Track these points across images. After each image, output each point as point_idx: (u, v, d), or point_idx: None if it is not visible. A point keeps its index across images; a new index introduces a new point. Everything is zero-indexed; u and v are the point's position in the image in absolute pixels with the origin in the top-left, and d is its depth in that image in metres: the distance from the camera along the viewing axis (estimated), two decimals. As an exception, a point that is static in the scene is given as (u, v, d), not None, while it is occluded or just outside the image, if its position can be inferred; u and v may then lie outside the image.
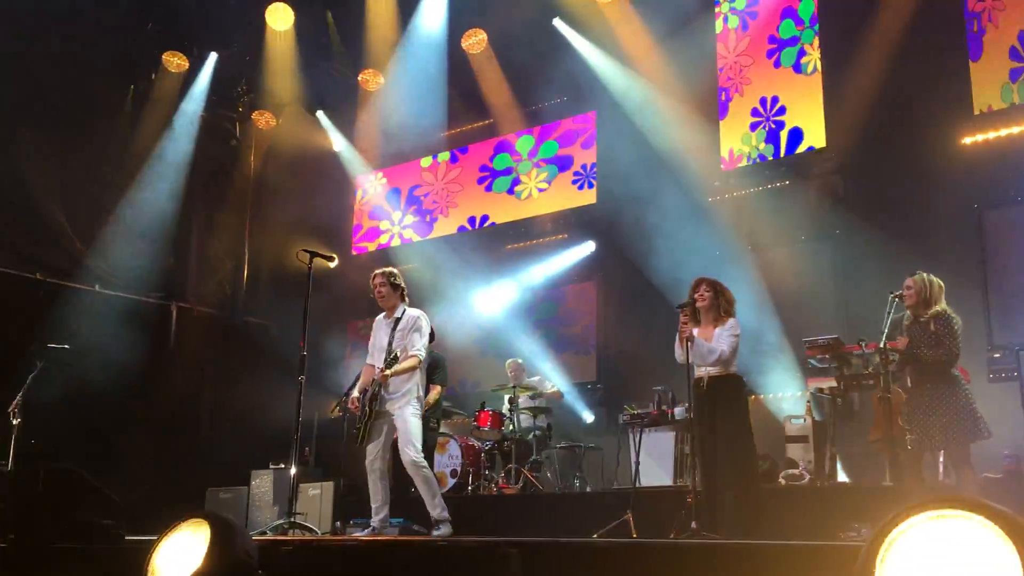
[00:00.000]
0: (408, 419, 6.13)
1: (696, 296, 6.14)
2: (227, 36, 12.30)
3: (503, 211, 12.12)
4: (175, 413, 11.68)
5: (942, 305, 5.77)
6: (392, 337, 6.24)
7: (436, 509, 6.10)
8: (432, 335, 7.82)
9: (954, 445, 5.53)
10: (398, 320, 6.29)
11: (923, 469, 6.34)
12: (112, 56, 11.35)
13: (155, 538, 3.42)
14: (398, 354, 6.14)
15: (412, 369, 6.20)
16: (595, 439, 9.73)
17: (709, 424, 6.01)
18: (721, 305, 6.14)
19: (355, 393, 6.45)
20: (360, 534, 6.31)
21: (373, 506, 6.22)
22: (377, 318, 6.56)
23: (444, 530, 6.07)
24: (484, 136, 12.55)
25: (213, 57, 12.35)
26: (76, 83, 10.85)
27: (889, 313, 5.56)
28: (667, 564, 3.47)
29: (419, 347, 6.25)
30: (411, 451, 6.04)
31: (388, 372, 6.08)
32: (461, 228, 12.42)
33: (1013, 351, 6.33)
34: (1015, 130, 8.52)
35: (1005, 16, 8.67)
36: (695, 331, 6.04)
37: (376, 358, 6.34)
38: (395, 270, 6.50)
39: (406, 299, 6.45)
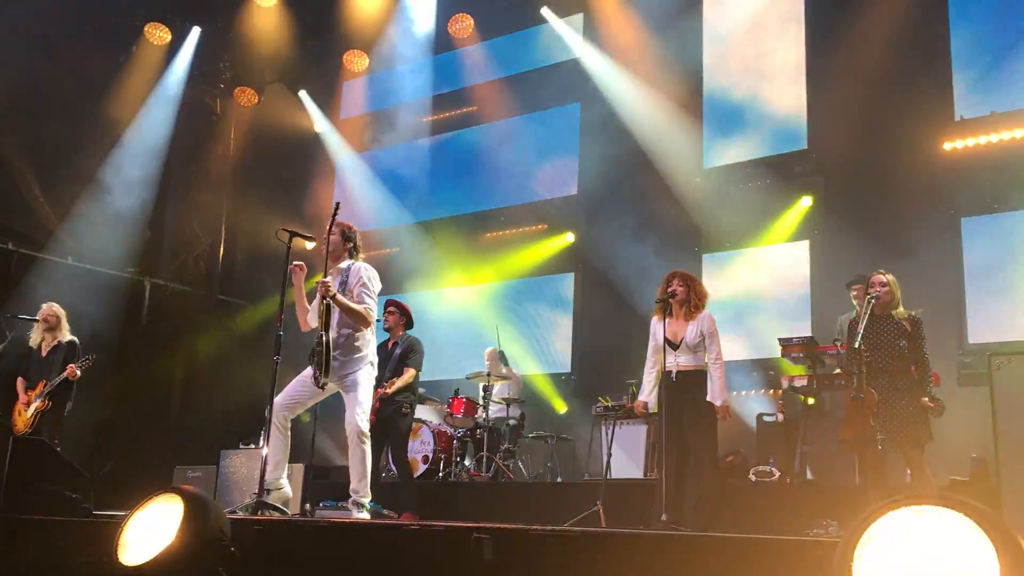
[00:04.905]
0: (363, 383, 5.68)
1: (670, 290, 6.17)
2: (211, 10, 12.18)
3: (483, 199, 12.10)
4: (145, 390, 11.58)
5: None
6: (337, 288, 5.73)
7: (360, 489, 5.64)
8: (410, 320, 7.83)
9: (917, 447, 5.58)
10: (342, 271, 5.82)
11: (890, 471, 6.42)
12: (93, 26, 11.20)
13: (124, 513, 3.39)
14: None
15: (359, 315, 5.67)
16: (568, 430, 9.76)
17: (678, 416, 6.06)
18: (692, 299, 6.18)
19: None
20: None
21: (271, 462, 5.61)
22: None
23: (360, 514, 5.62)
24: (466, 123, 12.50)
25: (196, 31, 12.23)
26: (55, 52, 10.69)
27: (866, 314, 5.60)
28: (637, 555, 3.48)
29: (368, 303, 5.73)
30: (360, 420, 5.61)
31: (334, 291, 5.56)
32: (440, 215, 12.36)
33: (984, 356, 6.39)
34: (995, 138, 8.61)
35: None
36: (666, 322, 6.10)
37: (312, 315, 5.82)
38: (352, 225, 6.04)
39: (357, 256, 5.93)
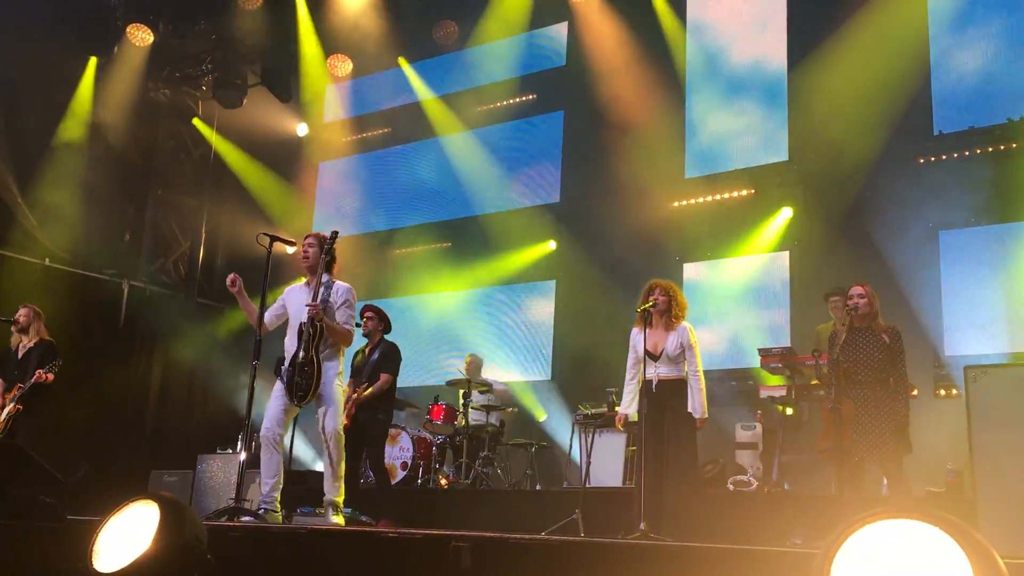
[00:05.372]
0: (336, 389, 5.80)
1: (651, 299, 6.16)
2: (193, 12, 12.12)
3: (466, 205, 12.08)
4: (122, 393, 11.48)
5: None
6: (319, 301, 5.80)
7: (335, 491, 5.74)
8: (388, 325, 7.79)
9: (895, 459, 5.61)
10: (322, 287, 5.81)
11: (867, 482, 6.45)
12: (74, 26, 11.12)
13: (99, 518, 3.35)
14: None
15: (344, 336, 5.84)
16: (547, 438, 9.76)
17: (657, 425, 6.05)
18: (673, 310, 6.17)
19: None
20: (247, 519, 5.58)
21: (269, 482, 5.73)
22: (292, 286, 6.11)
23: (334, 519, 5.73)
24: (450, 129, 12.46)
25: (179, 33, 12.16)
26: (34, 51, 10.61)
27: (845, 325, 5.64)
28: (615, 563, 3.48)
29: (352, 325, 5.93)
30: (336, 421, 5.75)
31: (322, 316, 5.63)
32: (420, 221, 12.34)
33: (960, 368, 6.45)
34: (973, 152, 8.69)
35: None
36: (646, 333, 6.07)
37: (288, 325, 5.92)
38: (327, 236, 6.03)
39: (333, 269, 5.98)
